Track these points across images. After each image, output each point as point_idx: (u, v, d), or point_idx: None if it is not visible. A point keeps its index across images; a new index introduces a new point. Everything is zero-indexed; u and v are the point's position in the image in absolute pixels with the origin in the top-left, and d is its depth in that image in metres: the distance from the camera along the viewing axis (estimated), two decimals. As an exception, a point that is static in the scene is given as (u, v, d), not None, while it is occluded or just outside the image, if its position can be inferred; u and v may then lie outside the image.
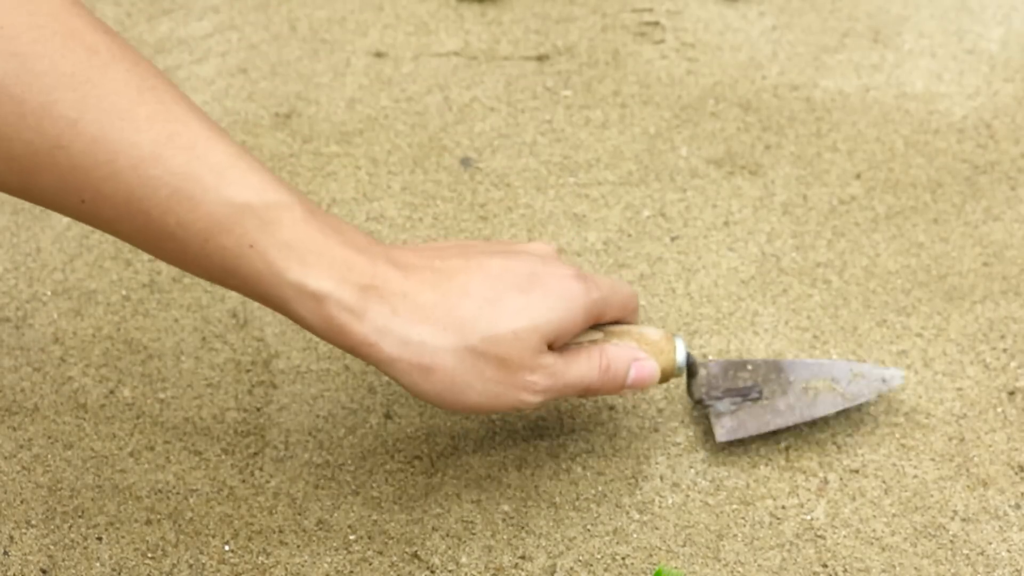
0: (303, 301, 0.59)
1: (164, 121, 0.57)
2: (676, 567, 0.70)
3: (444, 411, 0.67)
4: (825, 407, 0.74)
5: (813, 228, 0.89)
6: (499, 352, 0.61)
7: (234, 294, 0.84)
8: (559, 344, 0.64)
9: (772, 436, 0.76)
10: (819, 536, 0.71)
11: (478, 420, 0.77)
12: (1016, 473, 0.74)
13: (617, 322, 0.69)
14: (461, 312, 0.61)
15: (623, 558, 0.70)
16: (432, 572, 0.69)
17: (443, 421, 0.77)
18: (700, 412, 0.76)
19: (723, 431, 0.73)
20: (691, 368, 0.73)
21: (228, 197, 0.58)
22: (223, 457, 0.75)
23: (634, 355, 0.67)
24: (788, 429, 0.75)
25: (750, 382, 0.75)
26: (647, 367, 0.68)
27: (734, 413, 0.73)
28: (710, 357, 0.79)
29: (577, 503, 0.73)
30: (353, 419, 0.77)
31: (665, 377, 0.70)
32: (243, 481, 0.74)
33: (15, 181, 0.58)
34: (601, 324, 0.68)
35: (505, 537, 0.71)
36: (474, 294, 0.61)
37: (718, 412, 0.74)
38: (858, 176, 0.93)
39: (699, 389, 0.74)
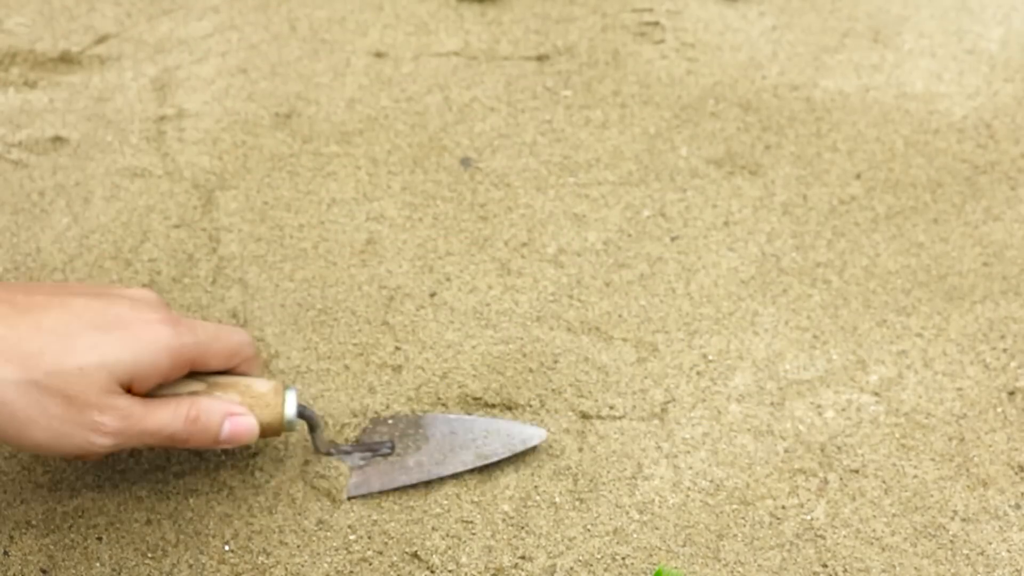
0: None
1: None
2: (676, 567, 0.70)
3: (11, 448, 0.66)
4: (456, 465, 0.73)
5: (813, 228, 0.89)
6: (64, 388, 0.59)
7: (235, 294, 0.84)
8: (141, 388, 0.63)
9: (768, 436, 0.76)
10: (819, 536, 0.71)
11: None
12: (1016, 473, 0.74)
13: (227, 372, 0.68)
14: (28, 346, 0.59)
15: (623, 558, 0.70)
16: (432, 572, 0.69)
17: (443, 421, 0.77)
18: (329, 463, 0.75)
19: (351, 486, 0.72)
20: (311, 422, 0.72)
21: None
22: (223, 457, 0.75)
23: (229, 409, 0.66)
24: (417, 485, 0.74)
25: (385, 437, 0.74)
26: (243, 423, 0.66)
27: (362, 468, 0.73)
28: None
29: (577, 503, 0.73)
30: (353, 419, 0.77)
31: (273, 431, 0.68)
32: (243, 481, 0.74)
33: None
34: (206, 374, 0.67)
35: (505, 537, 0.71)
36: (45, 329, 0.60)
37: (348, 466, 0.73)
38: (858, 176, 0.93)
39: (324, 444, 0.73)
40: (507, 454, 0.74)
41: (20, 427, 0.59)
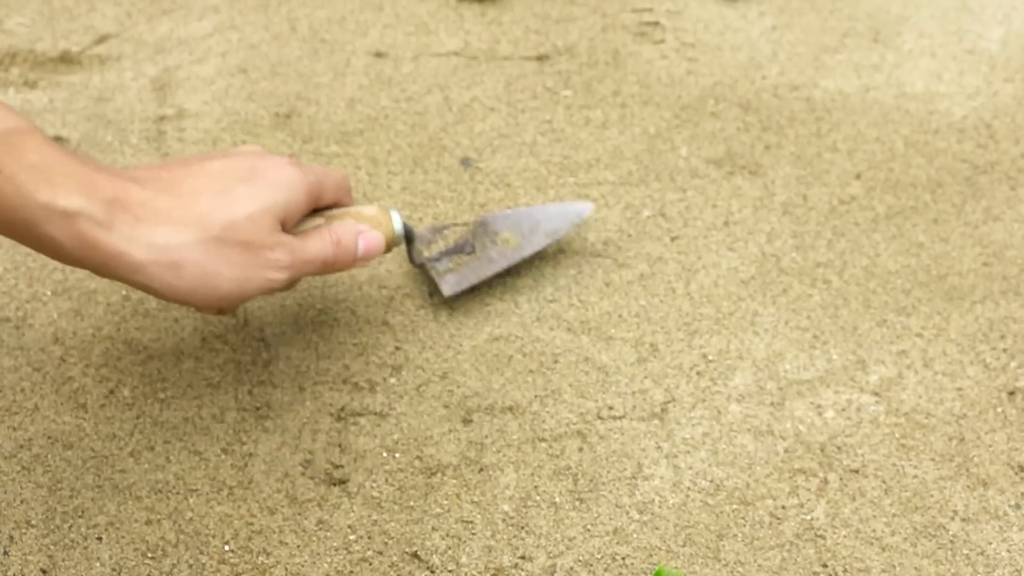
0: (53, 220, 0.61)
1: None
2: (676, 567, 0.70)
3: (202, 310, 0.71)
4: (532, 246, 0.82)
5: (813, 228, 0.89)
6: (240, 236, 0.65)
7: (234, 294, 0.84)
8: (289, 225, 0.70)
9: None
10: (819, 536, 0.71)
11: (476, 419, 0.77)
12: (1016, 473, 0.74)
13: (334, 206, 0.74)
14: (197, 209, 0.65)
15: (623, 558, 0.70)
16: (432, 572, 0.69)
17: (442, 420, 0.77)
18: (424, 275, 0.82)
19: (448, 285, 0.80)
20: (408, 235, 0.79)
21: None
22: (223, 457, 0.75)
23: (358, 228, 0.73)
24: (505, 273, 0.83)
25: (461, 240, 0.81)
26: (372, 236, 0.74)
27: (454, 270, 0.80)
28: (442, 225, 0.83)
29: (577, 503, 0.73)
30: (353, 419, 0.77)
31: (388, 246, 0.75)
32: (243, 481, 0.74)
33: None
34: (320, 209, 0.73)
35: (505, 537, 0.71)
36: (205, 191, 0.66)
37: (439, 271, 0.80)
38: (858, 176, 0.93)
39: (419, 254, 0.81)
40: (570, 228, 0.84)
41: (210, 282, 0.65)
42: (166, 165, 0.68)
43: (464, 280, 0.81)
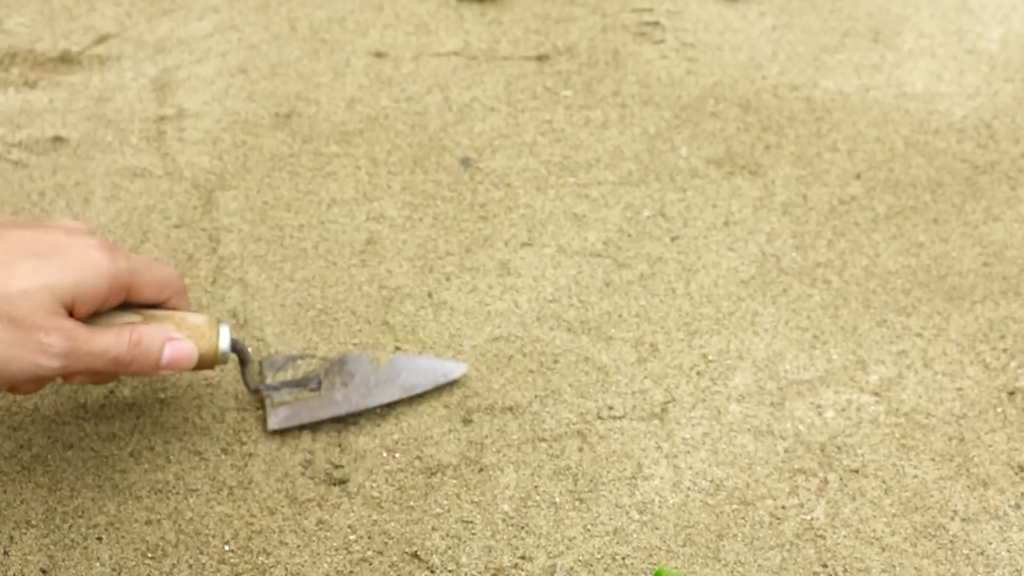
0: None
1: None
2: (676, 567, 0.70)
3: None
4: (382, 397, 0.76)
5: (813, 228, 0.89)
6: (9, 311, 0.60)
7: (235, 294, 0.84)
8: (81, 312, 0.64)
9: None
10: (819, 536, 0.71)
11: (476, 419, 0.77)
12: (1016, 473, 0.74)
13: (158, 306, 0.69)
14: None
15: (623, 558, 0.70)
16: (432, 572, 0.69)
17: (442, 420, 0.77)
18: (258, 401, 0.77)
19: (276, 419, 0.75)
20: (242, 356, 0.73)
21: None
22: (223, 457, 0.75)
23: (169, 335, 0.67)
24: (344, 417, 0.76)
25: (311, 374, 0.76)
26: (183, 347, 0.67)
27: (289, 403, 0.75)
28: (280, 351, 0.80)
29: (577, 503, 0.73)
30: (352, 419, 0.77)
31: (208, 363, 0.70)
32: (243, 481, 0.74)
33: None
34: (140, 307, 0.68)
35: (505, 537, 0.71)
36: None
37: (274, 402, 0.75)
38: (858, 176, 0.93)
39: (253, 379, 0.75)
40: (431, 387, 0.77)
41: None
42: None
43: (295, 417, 0.75)
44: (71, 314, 0.63)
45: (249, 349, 0.76)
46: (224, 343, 0.70)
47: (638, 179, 0.93)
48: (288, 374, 0.77)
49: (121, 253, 0.65)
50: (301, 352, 0.78)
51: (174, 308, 0.70)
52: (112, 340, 0.64)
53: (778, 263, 0.87)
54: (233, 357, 0.76)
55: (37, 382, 0.64)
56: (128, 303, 0.68)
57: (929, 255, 0.87)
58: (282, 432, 0.75)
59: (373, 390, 0.76)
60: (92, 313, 0.65)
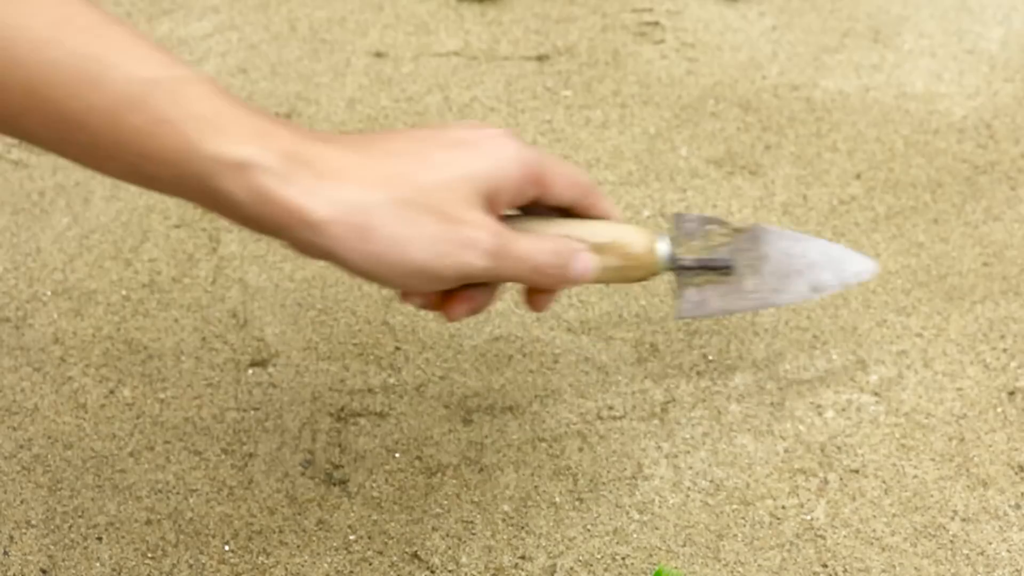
0: (224, 173, 0.55)
1: (58, 5, 0.55)
2: (676, 567, 0.70)
3: (385, 284, 0.61)
4: (792, 295, 0.69)
5: (813, 228, 0.89)
6: (436, 203, 0.57)
7: (235, 294, 0.84)
8: (498, 208, 0.60)
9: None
10: (819, 536, 0.71)
11: (476, 419, 0.77)
12: (1016, 473, 0.74)
13: (570, 210, 0.64)
14: (387, 169, 0.57)
15: (623, 558, 0.70)
16: (432, 572, 0.69)
17: (442, 420, 0.77)
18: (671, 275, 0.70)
19: (687, 306, 0.68)
20: (678, 265, 0.67)
21: (134, 73, 0.54)
22: (223, 457, 0.75)
23: (582, 249, 0.62)
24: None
25: (723, 252, 0.68)
26: (592, 264, 0.63)
27: (699, 287, 0.68)
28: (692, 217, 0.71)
29: (577, 503, 0.73)
30: (353, 419, 0.77)
31: (642, 278, 0.65)
32: (243, 481, 0.74)
33: None
34: (578, 224, 0.63)
35: (505, 537, 0.71)
36: (399, 152, 0.58)
37: (684, 283, 0.67)
38: (858, 176, 0.93)
39: (674, 255, 0.66)
40: (839, 287, 0.71)
41: (400, 248, 0.56)
42: (362, 133, 0.61)
43: (704, 305, 0.67)
44: (492, 207, 0.59)
45: (686, 261, 0.67)
46: (662, 262, 0.64)
47: (638, 179, 0.93)
48: (698, 244, 0.68)
49: (532, 147, 0.62)
50: (715, 217, 0.69)
51: (589, 209, 0.64)
52: (535, 246, 0.60)
53: (778, 263, 0.87)
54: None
55: (459, 282, 0.60)
56: (539, 203, 0.63)
57: (929, 255, 0.87)
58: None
59: (783, 282, 0.69)
60: (508, 204, 0.61)
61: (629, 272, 0.64)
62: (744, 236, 0.69)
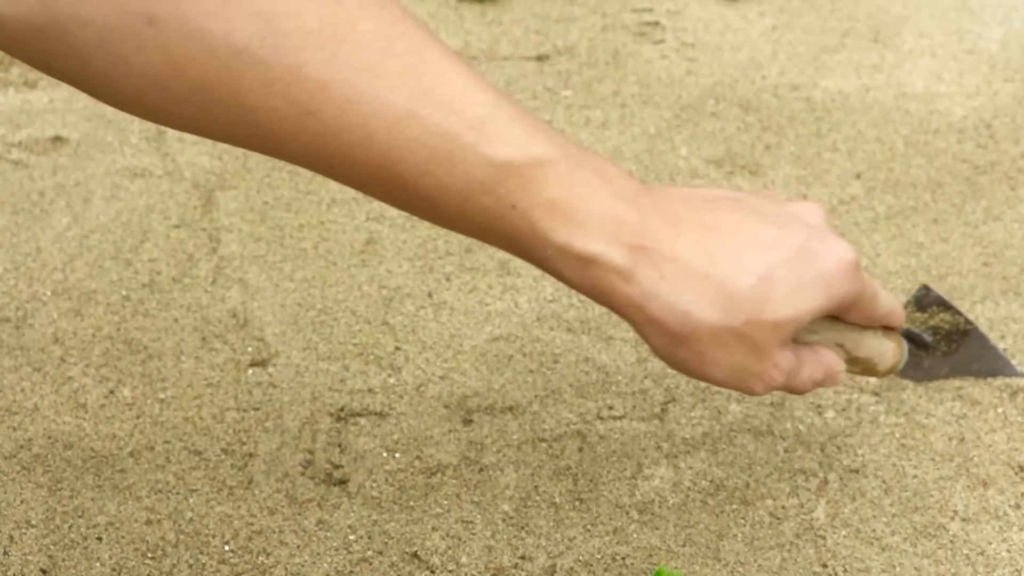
0: (567, 262, 0.55)
1: (418, 75, 0.52)
2: (676, 567, 0.70)
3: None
4: (950, 373, 0.77)
5: (813, 228, 0.89)
6: (756, 338, 0.57)
7: (235, 294, 0.84)
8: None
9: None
10: (819, 536, 0.71)
11: (476, 419, 0.77)
12: (1016, 473, 0.74)
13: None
14: (732, 287, 0.56)
15: (623, 558, 0.70)
16: (432, 572, 0.69)
17: (442, 420, 0.77)
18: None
19: (914, 372, 0.71)
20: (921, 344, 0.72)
21: (489, 156, 0.53)
22: (223, 457, 0.75)
23: (839, 369, 0.62)
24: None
25: (938, 330, 0.74)
26: (838, 380, 0.63)
27: (919, 357, 0.72)
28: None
29: (577, 503, 0.73)
30: (353, 419, 0.77)
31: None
32: (243, 481, 0.74)
33: (259, 147, 0.53)
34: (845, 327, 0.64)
35: (505, 537, 0.71)
36: (747, 268, 0.56)
37: (911, 349, 0.69)
38: (858, 176, 0.93)
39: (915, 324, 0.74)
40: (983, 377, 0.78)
41: (703, 364, 0.57)
42: (715, 203, 0.58)
43: (920, 372, 0.72)
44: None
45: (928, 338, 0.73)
46: (901, 364, 0.66)
47: (638, 179, 0.93)
48: (919, 317, 0.74)
49: (861, 277, 0.60)
50: (951, 303, 0.75)
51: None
52: (807, 376, 0.60)
53: (778, 263, 0.87)
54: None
55: (736, 390, 0.62)
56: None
57: (929, 255, 0.87)
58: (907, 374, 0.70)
59: (953, 367, 0.76)
60: None
61: (868, 375, 0.68)
62: (958, 332, 0.74)
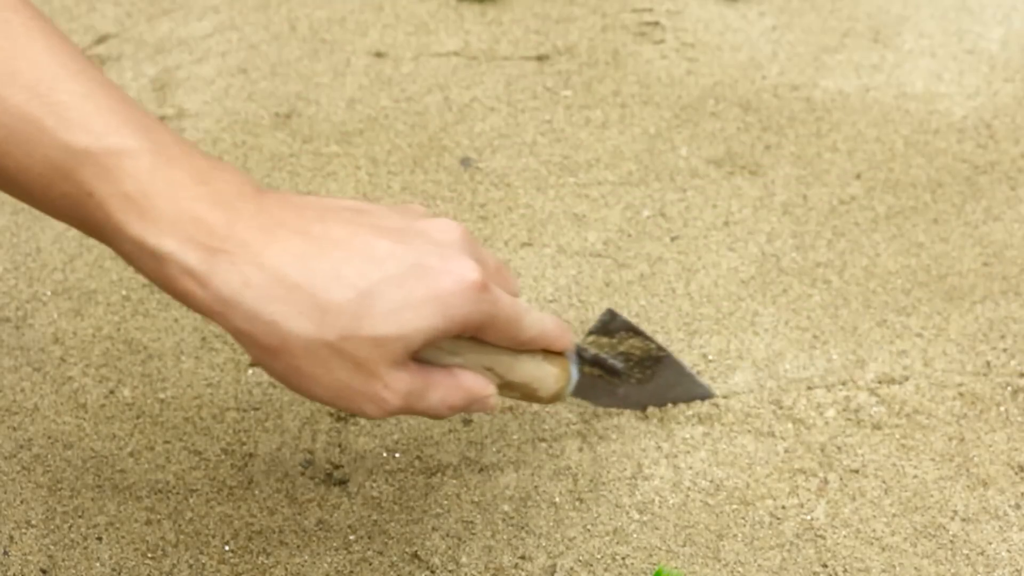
0: (143, 259, 0.53)
1: (8, 58, 0.53)
2: (676, 567, 0.70)
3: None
4: (644, 402, 0.76)
5: (813, 228, 0.89)
6: (355, 355, 0.54)
7: (234, 294, 0.84)
8: (428, 346, 0.57)
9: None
10: (819, 536, 0.71)
11: (476, 419, 0.77)
12: (1016, 473, 0.74)
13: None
14: (325, 299, 0.53)
15: (623, 558, 0.70)
16: (432, 572, 0.69)
17: (442, 421, 0.77)
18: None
19: (576, 387, 0.67)
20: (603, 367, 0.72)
21: (66, 141, 0.52)
22: (223, 457, 0.75)
23: (488, 392, 0.60)
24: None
25: (628, 356, 0.73)
26: (491, 404, 0.61)
27: (590, 376, 0.71)
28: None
29: (577, 503, 0.73)
30: (353, 419, 0.77)
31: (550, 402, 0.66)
32: (243, 481, 0.74)
33: None
34: (496, 352, 0.61)
35: (505, 537, 0.71)
36: (345, 280, 0.53)
37: (580, 367, 0.68)
38: (858, 176, 0.93)
39: (586, 338, 0.72)
40: (670, 401, 0.77)
41: (303, 381, 0.55)
42: (331, 212, 0.56)
43: (586, 392, 0.71)
44: (414, 354, 0.57)
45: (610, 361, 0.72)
46: (562, 399, 0.65)
47: (638, 179, 0.93)
48: (607, 342, 0.72)
49: (492, 297, 0.57)
50: (639, 328, 0.74)
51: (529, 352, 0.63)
52: (438, 401, 0.58)
53: (778, 263, 0.87)
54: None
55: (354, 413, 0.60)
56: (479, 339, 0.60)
57: (929, 255, 0.87)
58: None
59: (650, 395, 0.75)
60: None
61: (531, 402, 0.66)
62: (650, 359, 0.74)
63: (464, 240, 0.57)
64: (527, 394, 0.63)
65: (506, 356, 0.61)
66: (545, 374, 0.63)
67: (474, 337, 0.59)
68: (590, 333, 0.73)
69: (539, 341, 0.62)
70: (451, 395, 0.58)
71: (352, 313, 0.53)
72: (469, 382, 0.59)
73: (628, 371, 0.74)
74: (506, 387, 0.62)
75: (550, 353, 0.63)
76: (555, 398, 0.65)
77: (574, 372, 0.65)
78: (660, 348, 0.75)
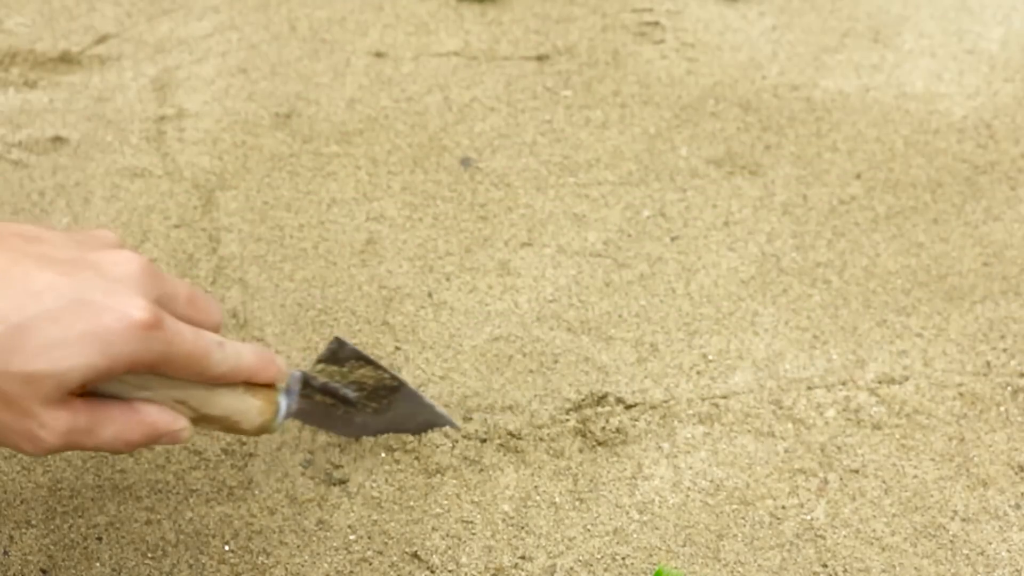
0: None
1: None
2: (676, 567, 0.70)
3: None
4: (382, 430, 0.75)
5: (813, 228, 0.89)
6: (6, 392, 0.51)
7: (235, 294, 0.84)
8: (90, 386, 0.54)
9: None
10: (819, 536, 0.71)
11: (476, 419, 0.77)
12: (1016, 473, 0.74)
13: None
14: None
15: (623, 558, 0.70)
16: (432, 572, 0.69)
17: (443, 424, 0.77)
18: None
19: (291, 413, 0.65)
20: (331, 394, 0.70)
21: None
22: (223, 457, 0.75)
23: (174, 425, 0.57)
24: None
25: (360, 386, 0.72)
26: (181, 437, 0.58)
27: (313, 401, 0.69)
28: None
29: (577, 503, 0.73)
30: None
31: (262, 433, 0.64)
32: (243, 481, 0.74)
33: None
34: (190, 387, 0.59)
35: (505, 537, 0.71)
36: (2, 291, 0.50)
37: (304, 395, 0.67)
38: (858, 176, 0.93)
39: (315, 366, 0.70)
40: (415, 430, 0.76)
41: None
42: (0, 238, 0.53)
43: (305, 415, 0.71)
44: (81, 388, 0.54)
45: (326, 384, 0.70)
46: (278, 420, 0.63)
47: (638, 179, 0.93)
48: (336, 371, 0.71)
49: (163, 335, 0.54)
50: (373, 357, 0.73)
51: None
52: (111, 437, 0.55)
53: (778, 263, 0.87)
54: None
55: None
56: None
57: (929, 255, 0.87)
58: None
59: (389, 424, 0.74)
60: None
61: (236, 434, 0.63)
62: (384, 388, 0.72)
63: (141, 274, 0.54)
64: (228, 427, 0.61)
65: (200, 390, 0.59)
66: (247, 407, 0.61)
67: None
68: (319, 361, 0.70)
69: (235, 375, 0.59)
70: (129, 430, 0.56)
71: (2, 348, 0.50)
72: (152, 416, 0.56)
73: (363, 400, 0.72)
74: (203, 420, 0.60)
75: (255, 385, 0.61)
76: (261, 430, 0.62)
77: (283, 403, 0.63)
78: (394, 378, 0.73)
